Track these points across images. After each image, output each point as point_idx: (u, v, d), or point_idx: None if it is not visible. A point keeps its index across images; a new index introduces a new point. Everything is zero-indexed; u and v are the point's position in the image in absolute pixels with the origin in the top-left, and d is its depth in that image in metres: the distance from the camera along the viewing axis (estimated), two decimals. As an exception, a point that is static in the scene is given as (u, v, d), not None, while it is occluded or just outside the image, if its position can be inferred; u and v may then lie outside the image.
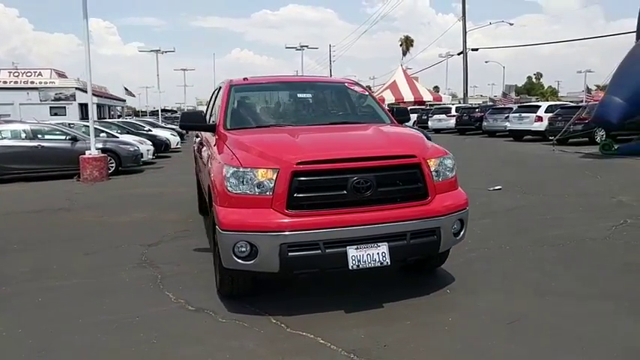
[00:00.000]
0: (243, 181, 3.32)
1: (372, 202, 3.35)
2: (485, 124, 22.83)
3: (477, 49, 34.82)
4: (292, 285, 4.02)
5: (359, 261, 3.27)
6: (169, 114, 51.34)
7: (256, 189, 3.30)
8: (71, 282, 4.34)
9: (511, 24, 40.84)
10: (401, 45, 71.38)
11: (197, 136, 6.22)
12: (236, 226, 3.27)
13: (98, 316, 3.53)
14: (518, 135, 19.90)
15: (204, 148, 4.96)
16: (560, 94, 68.90)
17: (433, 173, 3.53)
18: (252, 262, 3.26)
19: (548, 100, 36.39)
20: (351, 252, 3.27)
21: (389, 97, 34.21)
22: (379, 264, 3.31)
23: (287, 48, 36.21)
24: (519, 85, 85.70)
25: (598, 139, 16.20)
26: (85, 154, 11.38)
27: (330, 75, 49.69)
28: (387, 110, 4.80)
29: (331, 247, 3.25)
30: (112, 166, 12.26)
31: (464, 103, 34.07)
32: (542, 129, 18.37)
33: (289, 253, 3.20)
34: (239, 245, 3.26)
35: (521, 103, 29.61)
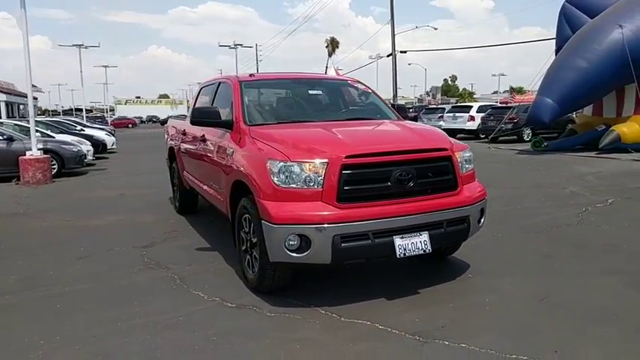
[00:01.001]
0: (291, 175, 3.36)
1: (413, 194, 3.53)
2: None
3: (405, 52, 36.20)
4: (321, 278, 4.09)
5: (405, 249, 3.43)
6: (88, 113, 48.31)
7: (305, 183, 3.35)
8: (80, 287, 4.10)
9: (435, 29, 43.05)
10: (327, 46, 72.42)
11: (183, 134, 6.05)
12: (289, 219, 3.29)
13: (136, 319, 3.40)
14: (451, 134, 20.93)
15: (207, 146, 4.87)
16: (474, 96, 73.52)
17: (460, 165, 3.78)
18: (304, 254, 3.31)
19: (465, 101, 38.79)
20: (398, 241, 3.42)
21: (323, 98, 34.60)
22: (422, 251, 3.50)
23: (220, 46, 35.70)
24: (436, 87, 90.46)
25: (526, 137, 17.61)
26: (25, 155, 10.55)
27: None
28: (391, 107, 5.01)
29: (380, 237, 3.38)
30: (54, 168, 11.46)
31: (394, 103, 35.33)
32: (475, 128, 19.62)
33: (342, 244, 3.29)
34: (291, 238, 3.30)
35: (443, 104, 31.32)
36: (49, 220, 6.82)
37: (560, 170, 10.39)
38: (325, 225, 3.27)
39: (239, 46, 34.86)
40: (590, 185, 8.31)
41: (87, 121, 30.06)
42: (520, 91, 58.16)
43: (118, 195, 8.85)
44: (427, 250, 3.51)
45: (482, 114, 19.46)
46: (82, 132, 17.85)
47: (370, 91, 5.18)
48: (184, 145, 6.04)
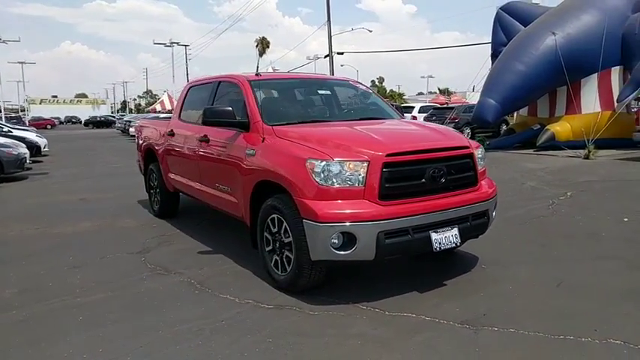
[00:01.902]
0: (334, 174, 3.40)
1: (443, 190, 3.69)
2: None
3: (342, 53, 36.82)
4: (344, 276, 4.14)
5: (440, 243, 3.58)
6: None
7: (347, 181, 3.40)
8: (94, 297, 3.87)
9: (370, 31, 44.19)
10: (257, 46, 71.90)
11: (170, 135, 5.84)
12: (335, 217, 3.33)
13: (177, 326, 3.28)
14: (394, 133, 21.74)
15: (212, 146, 4.76)
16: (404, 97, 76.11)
17: (477, 162, 4.01)
18: (349, 252, 3.36)
19: (395, 102, 40.17)
20: (434, 236, 3.56)
21: (261, 98, 34.38)
22: (453, 245, 3.67)
23: (155, 44, 34.16)
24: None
25: (465, 136, 18.58)
26: (-39, 159, 9.65)
27: (187, 74, 48.12)
28: (392, 107, 5.16)
29: (418, 233, 3.51)
30: (-7, 173, 10.56)
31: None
32: (417, 127, 20.41)
33: (386, 241, 3.38)
34: (337, 236, 3.34)
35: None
36: (15, 228, 6.31)
37: (510, 167, 11.10)
38: (370, 222, 3.34)
39: (175, 44, 33.77)
40: (544, 180, 8.98)
41: (7, 121, 27.82)
42: (446, 92, 61.08)
43: (78, 200, 8.35)
44: (457, 244, 3.69)
45: (424, 114, 20.28)
46: (10, 133, 16.51)
47: (371, 91, 5.30)
48: (172, 147, 5.83)
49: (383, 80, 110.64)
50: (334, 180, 3.40)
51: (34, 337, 3.19)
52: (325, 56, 38.05)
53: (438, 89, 61.27)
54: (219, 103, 4.98)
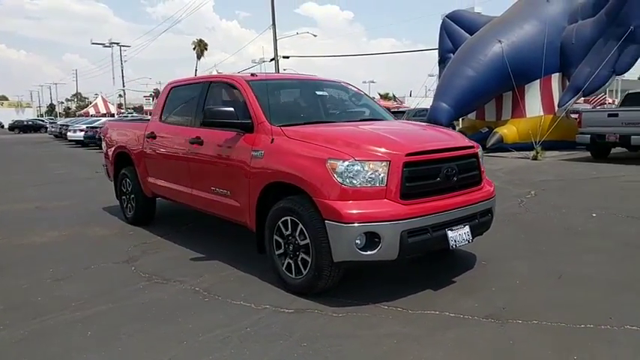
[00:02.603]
0: (356, 174, 3.39)
1: (455, 189, 3.78)
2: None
3: (288, 57, 36.84)
4: (351, 277, 4.13)
5: (455, 241, 3.66)
6: None
7: (369, 181, 3.41)
8: (96, 310, 3.62)
9: (315, 35, 44.31)
10: (194, 48, 70.49)
11: (151, 138, 5.58)
12: (360, 218, 3.32)
13: (201, 335, 3.14)
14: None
15: (207, 149, 4.60)
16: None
17: (481, 162, 4.15)
18: (374, 252, 3.36)
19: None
20: (450, 233, 3.64)
21: (206, 101, 33.70)
22: (466, 242, 3.76)
23: (93, 44, 32.47)
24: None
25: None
26: None
27: (122, 77, 46.28)
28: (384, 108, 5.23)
29: (436, 231, 3.57)
30: None
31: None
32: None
33: (409, 239, 3.41)
34: (361, 237, 3.33)
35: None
36: (-27, 240, 5.78)
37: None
38: (394, 221, 3.36)
39: (115, 45, 32.26)
40: (505, 180, 9.42)
41: None
42: (386, 97, 62.60)
43: (34, 208, 7.78)
44: (469, 241, 3.79)
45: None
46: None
47: (362, 93, 5.34)
48: (153, 149, 5.57)
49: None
50: (356, 180, 3.39)
51: (45, 356, 2.93)
52: (271, 59, 37.94)
53: (379, 94, 62.66)
54: (213, 104, 4.83)
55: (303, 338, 3.06)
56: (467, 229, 3.77)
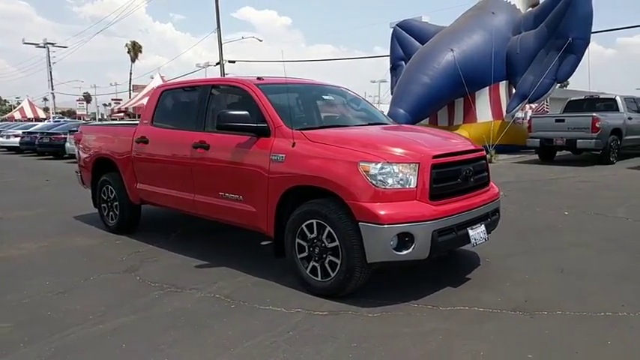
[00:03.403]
0: (389, 176, 3.48)
1: (471, 190, 3.97)
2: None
3: (234, 61, 36.52)
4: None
5: (475, 239, 3.84)
6: None
7: (401, 183, 3.51)
8: (117, 322, 3.46)
9: (260, 40, 43.91)
10: (128, 51, 67.99)
11: (142, 142, 5.37)
12: (395, 219, 3.40)
13: (246, 342, 3.09)
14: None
15: (216, 153, 4.51)
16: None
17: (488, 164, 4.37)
18: (407, 252, 3.45)
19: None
20: (471, 232, 3.81)
21: (150, 106, 32.62)
22: (484, 240, 3.95)
23: (25, 44, 30.37)
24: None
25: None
26: None
27: (51, 79, 43.80)
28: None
29: (460, 230, 3.73)
30: None
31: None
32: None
33: (439, 239, 3.54)
34: (396, 237, 3.41)
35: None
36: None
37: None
38: (426, 222, 3.47)
39: (50, 45, 30.36)
40: (471, 182, 9.85)
41: None
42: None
43: (-7, 219, 7.24)
44: (486, 239, 3.98)
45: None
46: None
47: (360, 97, 5.44)
48: (145, 155, 5.37)
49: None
50: (388, 182, 3.48)
51: (89, 371, 2.78)
52: (216, 64, 37.42)
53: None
54: (216, 108, 4.75)
55: (351, 339, 3.10)
56: (483, 227, 3.96)
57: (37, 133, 20.00)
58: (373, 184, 3.46)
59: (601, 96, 14.14)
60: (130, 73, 65.80)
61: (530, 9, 18.06)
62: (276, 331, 3.23)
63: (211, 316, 3.52)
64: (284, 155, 3.95)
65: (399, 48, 19.23)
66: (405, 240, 3.45)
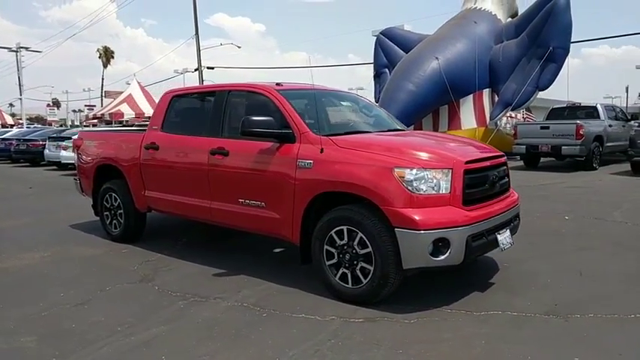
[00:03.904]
0: (424, 182, 3.49)
1: (496, 195, 4.02)
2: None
3: (212, 68, 36.31)
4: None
5: (503, 244, 3.88)
6: None
7: (435, 188, 3.52)
8: (150, 333, 3.35)
9: (239, 47, 43.92)
10: (100, 57, 66.75)
11: (151, 149, 5.25)
12: (433, 224, 3.41)
13: (289, 350, 3.04)
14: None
15: (235, 159, 4.45)
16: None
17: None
18: (443, 257, 3.47)
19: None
20: (499, 237, 3.85)
21: (127, 112, 31.94)
22: (509, 245, 4.00)
23: (1, 48, 29.34)
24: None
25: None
26: None
27: (20, 84, 42.54)
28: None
29: (490, 235, 3.77)
30: None
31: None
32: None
33: (473, 244, 3.57)
34: (433, 243, 3.42)
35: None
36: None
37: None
38: (462, 227, 3.50)
39: (23, 49, 29.42)
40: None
41: None
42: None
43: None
44: (512, 244, 4.03)
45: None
46: None
47: (373, 104, 5.46)
48: (155, 161, 5.25)
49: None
50: (424, 187, 3.49)
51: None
52: (195, 70, 37.10)
53: None
54: (234, 114, 4.70)
55: (395, 345, 3.08)
56: (508, 232, 4.01)
57: (12, 139, 19.37)
58: (409, 190, 3.46)
59: (582, 104, 14.57)
60: (102, 79, 64.62)
61: (510, 19, 18.57)
62: (317, 340, 3.19)
63: (245, 325, 3.46)
64: (312, 161, 3.92)
65: (383, 56, 19.46)
66: (441, 245, 3.46)
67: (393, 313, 3.58)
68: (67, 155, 14.36)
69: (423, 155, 3.66)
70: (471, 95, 16.08)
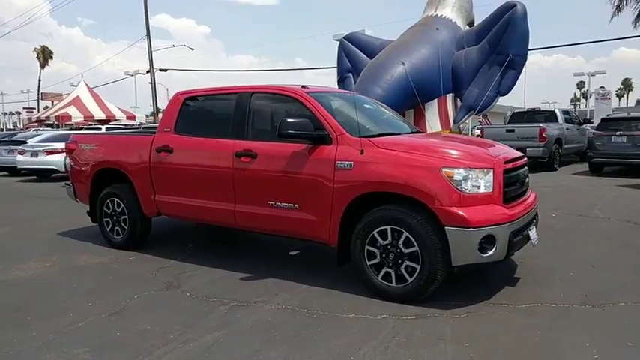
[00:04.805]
0: (470, 181, 3.63)
1: (524, 193, 4.23)
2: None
3: (166, 70, 35.40)
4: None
5: (533, 240, 4.09)
6: None
7: (480, 187, 3.67)
8: (205, 340, 3.29)
9: (192, 49, 42.76)
10: (38, 57, 63.50)
11: (164, 152, 5.11)
12: (482, 222, 3.55)
13: (358, 348, 3.08)
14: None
15: (263, 162, 4.41)
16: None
17: (526, 170, 4.67)
18: (490, 253, 3.62)
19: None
20: (530, 233, 4.06)
21: (76, 114, 30.55)
22: (537, 241, 4.21)
23: None
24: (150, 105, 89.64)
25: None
26: None
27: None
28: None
29: (524, 231, 3.96)
30: None
31: (155, 122, 33.91)
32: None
33: (514, 239, 3.74)
34: (482, 240, 3.56)
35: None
36: None
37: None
38: (506, 224, 3.67)
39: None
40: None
41: None
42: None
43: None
44: (538, 240, 4.24)
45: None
46: None
47: (385, 106, 5.57)
48: (170, 164, 5.10)
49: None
50: (470, 187, 3.63)
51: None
52: (147, 72, 36.06)
53: None
54: (260, 116, 4.68)
55: (458, 339, 3.19)
56: (535, 229, 4.23)
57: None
58: (458, 189, 3.59)
59: (542, 108, 15.41)
60: (39, 80, 61.47)
61: (468, 27, 19.34)
62: (382, 338, 3.24)
63: (301, 327, 3.45)
64: (352, 163, 3.97)
65: (347, 60, 19.61)
66: (488, 242, 3.61)
67: (440, 309, 3.69)
68: (25, 160, 13.59)
69: (466, 156, 3.81)
70: (436, 100, 16.58)
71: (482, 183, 3.68)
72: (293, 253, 5.38)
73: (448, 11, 18.66)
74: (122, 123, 32.14)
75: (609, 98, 32.47)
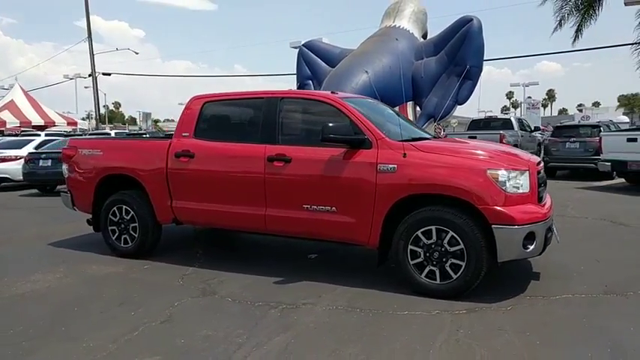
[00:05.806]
0: (513, 182, 3.89)
1: (544, 194, 4.56)
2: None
3: (109, 74, 34.02)
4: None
5: (557, 237, 4.42)
6: None
7: (520, 187, 3.94)
8: (277, 343, 3.30)
9: (137, 53, 41.36)
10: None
11: (184, 157, 5.02)
12: (525, 220, 3.81)
13: (432, 343, 3.22)
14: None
15: (299, 166, 4.47)
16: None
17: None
18: (530, 249, 3.88)
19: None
20: (555, 230, 4.38)
21: (11, 120, 28.64)
22: (557, 241, 4.53)
23: None
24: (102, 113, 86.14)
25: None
26: None
27: None
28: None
29: (551, 229, 4.27)
30: None
31: (98, 129, 32.48)
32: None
33: (547, 235, 4.04)
34: (526, 237, 3.82)
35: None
36: None
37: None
38: (544, 221, 3.95)
39: None
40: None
41: None
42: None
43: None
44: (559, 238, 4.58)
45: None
46: None
47: (396, 110, 5.77)
48: (192, 170, 5.01)
49: (120, 105, 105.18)
50: (513, 187, 3.89)
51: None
52: (88, 75, 34.61)
53: (153, 120, 61.98)
54: (291, 121, 4.74)
55: (518, 329, 3.40)
56: (555, 229, 4.57)
57: None
58: (503, 190, 3.83)
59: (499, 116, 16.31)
60: (17, 82, 57.24)
61: (422, 39, 20.16)
62: (447, 332, 3.39)
63: (363, 326, 3.54)
64: (395, 166, 4.12)
65: (306, 67, 19.81)
66: (529, 239, 3.87)
67: (484, 303, 3.91)
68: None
69: (505, 158, 4.07)
70: (397, 108, 17.10)
71: (522, 183, 3.95)
72: (312, 256, 5.44)
73: (405, 22, 19.38)
74: (64, 130, 30.54)
75: (539, 108, 34.87)
